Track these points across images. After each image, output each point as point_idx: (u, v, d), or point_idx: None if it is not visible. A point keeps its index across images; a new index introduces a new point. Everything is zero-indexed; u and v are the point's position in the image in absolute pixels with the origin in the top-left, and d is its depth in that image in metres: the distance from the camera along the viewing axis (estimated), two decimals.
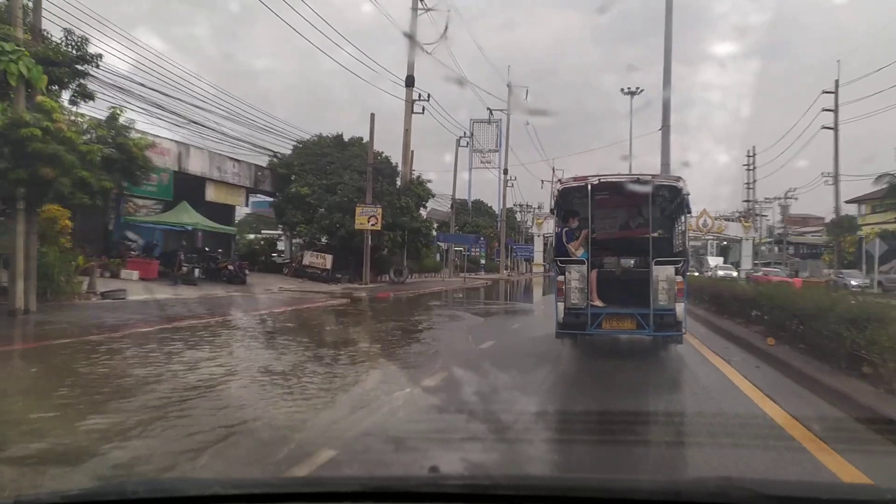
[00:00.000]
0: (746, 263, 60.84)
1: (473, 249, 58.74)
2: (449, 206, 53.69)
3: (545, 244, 66.22)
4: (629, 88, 62.59)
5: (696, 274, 39.85)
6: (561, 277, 9.63)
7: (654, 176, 10.72)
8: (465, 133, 55.78)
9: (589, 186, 9.67)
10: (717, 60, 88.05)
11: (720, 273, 48.35)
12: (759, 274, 40.61)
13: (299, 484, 2.15)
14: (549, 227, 57.06)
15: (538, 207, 76.33)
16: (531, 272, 71.91)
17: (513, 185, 60.47)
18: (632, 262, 10.15)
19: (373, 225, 29.81)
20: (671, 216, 10.97)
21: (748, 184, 66.02)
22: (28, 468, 4.32)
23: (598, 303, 9.54)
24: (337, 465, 4.33)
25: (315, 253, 31.77)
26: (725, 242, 78.20)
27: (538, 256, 71.36)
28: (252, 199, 37.15)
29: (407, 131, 34.83)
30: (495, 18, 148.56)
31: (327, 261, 31.08)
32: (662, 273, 9.17)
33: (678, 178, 10.29)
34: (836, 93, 43.12)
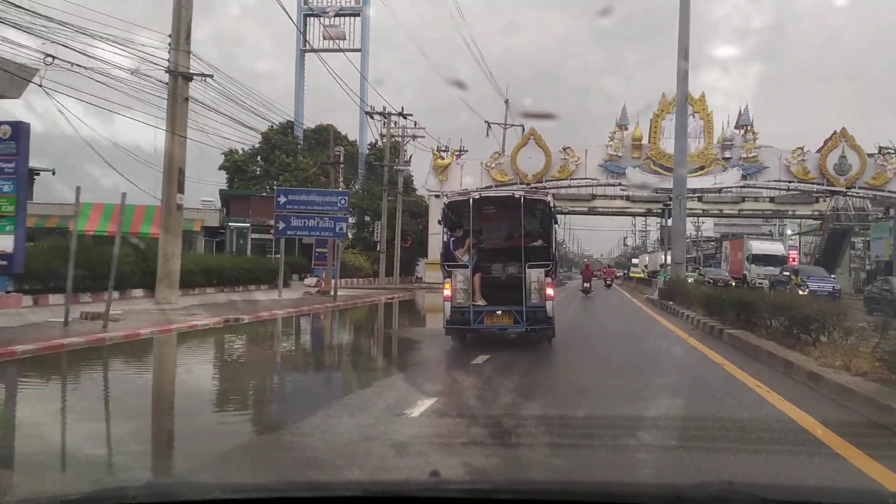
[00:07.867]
0: None
1: None
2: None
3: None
4: None
5: None
6: (448, 280, 10.42)
7: (525, 193, 12.46)
8: None
9: (471, 201, 10.78)
10: None
11: None
12: None
13: (301, 488, 2.15)
14: (460, 179, 36.78)
15: (447, 146, 39.26)
16: (421, 281, 37.74)
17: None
18: (515, 267, 10.84)
19: None
20: (547, 226, 11.75)
21: None
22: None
23: (480, 302, 10.41)
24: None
25: None
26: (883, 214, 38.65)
27: (434, 244, 32.42)
28: None
29: None
30: (498, 21, 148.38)
31: None
32: (533, 275, 10.24)
33: (546, 194, 13.28)
34: None
